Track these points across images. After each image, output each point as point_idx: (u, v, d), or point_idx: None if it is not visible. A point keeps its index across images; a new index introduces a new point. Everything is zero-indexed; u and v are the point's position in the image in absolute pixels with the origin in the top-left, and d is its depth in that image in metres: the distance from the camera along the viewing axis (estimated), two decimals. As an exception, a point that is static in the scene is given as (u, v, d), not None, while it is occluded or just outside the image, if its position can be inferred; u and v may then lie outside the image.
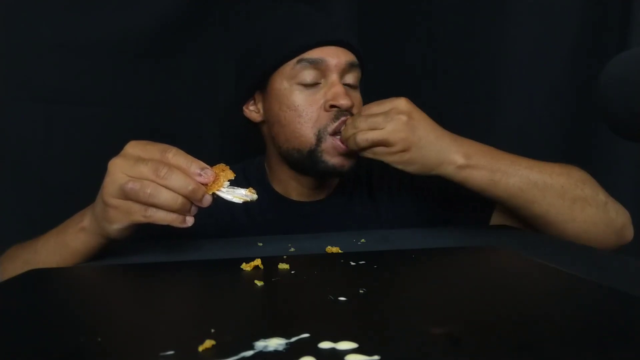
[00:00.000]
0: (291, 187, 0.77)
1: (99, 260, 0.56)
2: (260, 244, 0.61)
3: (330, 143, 0.68)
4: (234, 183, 0.51)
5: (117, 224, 0.51)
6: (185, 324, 0.31)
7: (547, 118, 1.05)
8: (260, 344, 0.26)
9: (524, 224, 0.69)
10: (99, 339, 0.28)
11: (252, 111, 0.77)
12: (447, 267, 0.47)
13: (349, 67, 0.70)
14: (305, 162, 0.70)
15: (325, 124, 0.68)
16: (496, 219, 0.73)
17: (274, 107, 0.71)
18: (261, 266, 0.44)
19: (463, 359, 0.24)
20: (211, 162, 0.52)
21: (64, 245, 0.56)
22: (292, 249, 0.56)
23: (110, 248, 0.57)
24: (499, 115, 1.07)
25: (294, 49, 0.68)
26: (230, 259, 0.48)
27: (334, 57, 0.69)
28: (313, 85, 0.69)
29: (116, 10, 0.92)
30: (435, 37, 1.09)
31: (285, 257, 0.48)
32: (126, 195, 0.48)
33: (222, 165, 0.52)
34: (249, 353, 0.25)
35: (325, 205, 0.78)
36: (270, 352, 0.25)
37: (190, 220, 0.50)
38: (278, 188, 0.78)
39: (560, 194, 0.62)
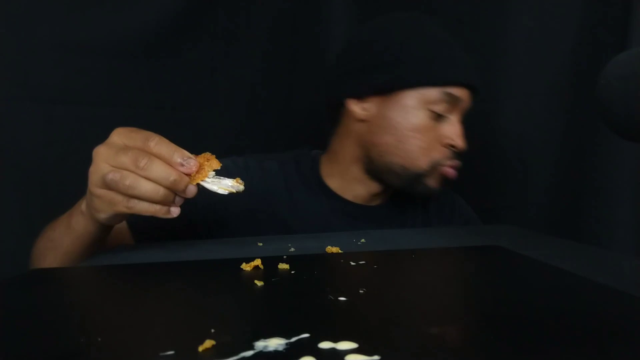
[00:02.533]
0: (351, 187, 0.78)
1: (98, 260, 0.56)
2: (261, 244, 0.61)
3: (439, 173, 0.73)
4: (220, 173, 0.50)
5: (102, 214, 0.51)
6: (185, 324, 0.31)
7: (547, 118, 1.05)
8: (260, 344, 0.26)
9: None
10: (99, 339, 0.28)
11: (359, 108, 0.75)
12: (447, 267, 0.47)
13: (466, 112, 0.75)
14: (404, 180, 0.73)
15: (440, 159, 0.72)
16: None
17: (394, 117, 0.72)
18: (261, 266, 0.44)
19: (463, 359, 0.24)
20: None
21: (70, 227, 0.57)
22: (292, 249, 0.56)
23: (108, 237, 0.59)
24: (499, 115, 1.07)
25: (441, 79, 0.70)
26: (230, 259, 0.48)
27: (467, 99, 0.73)
28: (439, 117, 0.71)
29: (116, 10, 0.92)
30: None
31: (285, 257, 0.48)
32: (108, 186, 0.48)
33: (207, 155, 0.50)
34: (249, 353, 0.25)
35: (377, 211, 0.79)
36: (270, 352, 0.25)
37: (175, 211, 0.49)
38: (332, 184, 0.79)
39: None
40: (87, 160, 0.98)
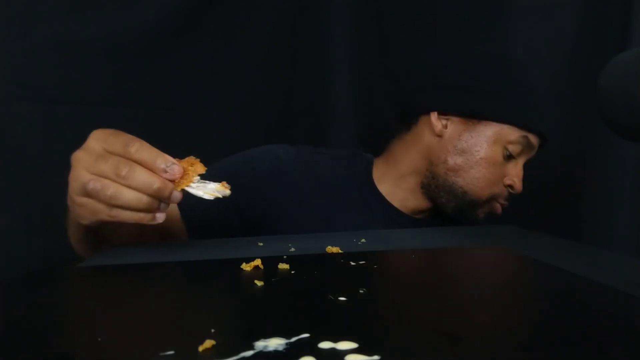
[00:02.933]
0: (402, 196, 0.79)
1: (98, 260, 0.56)
2: (261, 244, 0.61)
3: (491, 206, 0.76)
4: (204, 177, 0.48)
5: (85, 220, 0.49)
6: (185, 324, 0.31)
7: (547, 117, 1.05)
8: (260, 344, 0.26)
9: None
10: (99, 339, 0.28)
11: (439, 122, 0.76)
12: (447, 267, 0.47)
13: None
14: (459, 203, 0.75)
15: (498, 194, 0.75)
16: None
17: (472, 143, 0.74)
18: (261, 266, 0.44)
19: (463, 359, 0.24)
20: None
21: (72, 219, 0.58)
22: (292, 249, 0.56)
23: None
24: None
25: (524, 123, 0.73)
26: (230, 259, 0.48)
27: (534, 149, 0.76)
28: (511, 156, 0.74)
29: (116, 10, 0.92)
30: (436, 37, 1.09)
31: (285, 257, 0.48)
32: (89, 195, 0.46)
33: (191, 159, 0.48)
34: (249, 353, 0.25)
35: (421, 225, 0.80)
36: (270, 352, 0.25)
37: (160, 217, 0.47)
38: (383, 189, 0.79)
39: None
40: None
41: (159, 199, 0.46)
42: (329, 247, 0.54)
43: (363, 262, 0.45)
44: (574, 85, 1.03)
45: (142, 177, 0.44)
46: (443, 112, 0.76)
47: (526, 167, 1.06)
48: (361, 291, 0.36)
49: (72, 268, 0.54)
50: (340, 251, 0.53)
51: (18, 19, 0.87)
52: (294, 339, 0.26)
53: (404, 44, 1.09)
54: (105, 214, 0.46)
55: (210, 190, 0.47)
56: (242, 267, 0.44)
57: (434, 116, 0.76)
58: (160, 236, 0.67)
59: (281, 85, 1.10)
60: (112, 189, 0.44)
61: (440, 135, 0.75)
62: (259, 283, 0.39)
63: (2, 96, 0.87)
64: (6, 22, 0.87)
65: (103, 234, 0.59)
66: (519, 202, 1.07)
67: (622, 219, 0.98)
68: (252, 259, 0.45)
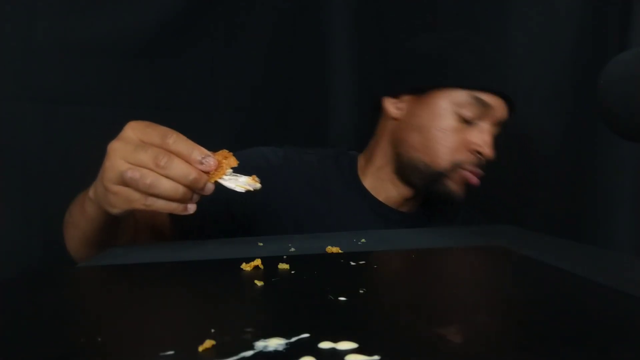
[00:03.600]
0: (384, 188, 0.79)
1: (98, 260, 0.56)
2: (261, 244, 0.61)
3: (460, 175, 0.74)
4: (238, 169, 0.50)
5: (117, 209, 0.50)
6: (185, 324, 0.31)
7: (547, 118, 1.05)
8: (260, 344, 0.26)
9: None
10: (99, 339, 0.28)
11: (394, 107, 0.78)
12: (447, 267, 0.47)
13: (500, 123, 0.75)
14: (424, 177, 0.74)
15: (462, 161, 0.73)
16: None
17: (424, 116, 0.74)
18: (261, 266, 0.44)
19: (463, 359, 0.24)
20: None
21: (83, 210, 0.57)
22: (292, 249, 0.56)
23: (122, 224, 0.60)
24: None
25: (470, 83, 0.72)
26: (230, 259, 0.48)
27: (500, 109, 0.73)
28: (469, 121, 0.72)
29: (116, 10, 0.92)
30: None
31: (285, 257, 0.48)
32: (126, 183, 0.47)
33: (224, 152, 0.50)
34: (249, 353, 0.25)
35: (407, 217, 0.81)
36: (270, 352, 0.25)
37: (192, 208, 0.49)
38: (367, 184, 0.80)
39: None
40: (88, 161, 0.97)
41: (193, 190, 0.48)
42: (329, 247, 0.54)
43: (363, 262, 0.45)
44: (574, 85, 1.03)
45: (179, 167, 0.46)
46: (395, 96, 0.78)
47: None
48: (361, 291, 0.36)
49: (72, 268, 0.54)
50: (340, 251, 0.53)
51: (18, 19, 0.87)
52: (294, 339, 0.26)
53: (404, 44, 1.09)
54: (141, 202, 0.48)
55: (241, 183, 0.49)
56: (242, 267, 0.44)
57: (387, 101, 0.78)
58: (151, 234, 0.67)
59: (281, 85, 1.10)
60: (150, 178, 0.46)
61: (397, 118, 0.77)
62: (259, 283, 0.39)
63: (2, 96, 0.87)
64: (6, 22, 0.87)
65: (115, 230, 0.59)
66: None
67: (622, 219, 0.98)
68: (252, 259, 0.45)
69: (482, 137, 0.73)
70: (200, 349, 0.26)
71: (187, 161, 0.47)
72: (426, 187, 0.76)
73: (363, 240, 0.61)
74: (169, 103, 0.99)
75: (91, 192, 0.54)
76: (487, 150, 0.72)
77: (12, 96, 0.87)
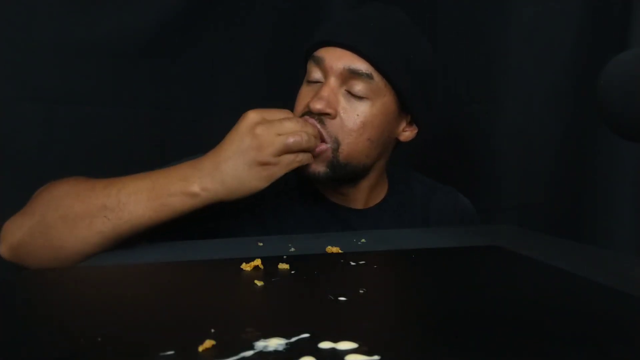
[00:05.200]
0: (331, 188, 0.74)
1: (99, 260, 0.56)
2: (261, 244, 0.61)
3: None
4: None
5: (274, 178, 0.59)
6: (185, 324, 0.31)
7: (547, 118, 1.05)
8: (260, 344, 0.26)
9: None
10: (99, 339, 0.28)
11: None
12: (447, 267, 0.47)
13: (351, 73, 0.65)
14: None
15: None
16: None
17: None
18: (261, 266, 0.44)
19: (463, 359, 0.24)
20: None
21: (164, 204, 0.57)
22: (292, 249, 0.56)
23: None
24: (499, 115, 1.07)
25: (310, 45, 0.70)
26: (230, 259, 0.48)
27: (335, 59, 0.66)
28: (316, 82, 0.68)
29: (116, 10, 0.92)
30: (435, 37, 1.09)
31: (285, 257, 0.48)
32: (286, 150, 0.58)
33: None
34: (249, 353, 0.25)
35: (371, 214, 0.76)
36: (270, 352, 0.25)
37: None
38: (321, 189, 0.76)
39: None
40: (88, 161, 0.97)
41: (313, 146, 0.61)
42: (329, 247, 0.54)
43: (363, 262, 0.45)
44: (574, 86, 1.03)
45: (311, 127, 0.61)
46: None
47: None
48: (361, 291, 0.36)
49: (72, 268, 0.54)
50: (340, 251, 0.53)
51: (18, 19, 0.87)
52: (294, 339, 0.26)
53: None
54: (296, 161, 0.60)
55: None
56: (242, 267, 0.44)
57: None
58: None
59: (281, 85, 1.10)
60: (305, 136, 0.59)
61: None
62: (259, 283, 0.39)
63: (2, 96, 0.87)
64: (6, 22, 0.87)
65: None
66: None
67: (622, 219, 0.98)
68: (252, 259, 0.45)
69: (316, 93, 0.66)
70: (200, 349, 0.26)
71: None
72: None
73: (363, 240, 0.61)
74: (169, 103, 0.99)
75: (198, 188, 0.58)
76: (312, 103, 0.65)
77: (12, 96, 0.87)
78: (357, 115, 0.66)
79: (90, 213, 0.56)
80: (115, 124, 0.94)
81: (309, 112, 0.67)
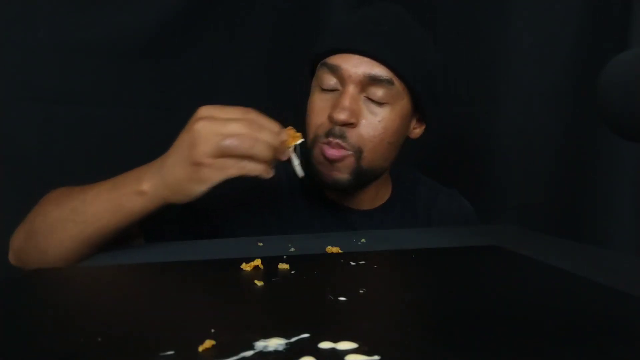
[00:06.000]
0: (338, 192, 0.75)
1: (98, 260, 0.56)
2: (261, 244, 0.61)
3: (316, 150, 0.67)
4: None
5: (209, 183, 0.53)
6: (185, 324, 0.31)
7: (547, 118, 1.05)
8: (260, 344, 0.26)
9: None
10: (99, 339, 0.28)
11: None
12: (447, 267, 0.47)
13: (371, 80, 0.65)
14: (306, 162, 0.69)
15: (323, 133, 0.67)
16: None
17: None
18: (261, 266, 0.44)
19: (463, 359, 0.24)
20: None
21: (117, 205, 0.56)
22: (292, 249, 0.56)
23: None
24: (499, 115, 1.07)
25: (319, 52, 0.69)
26: (230, 259, 0.48)
27: (352, 67, 0.65)
28: (332, 91, 0.67)
29: (116, 10, 0.92)
30: (435, 37, 1.09)
31: (285, 257, 0.48)
32: (223, 152, 0.51)
33: (291, 128, 0.56)
34: (249, 353, 0.25)
35: (373, 215, 0.76)
36: (270, 352, 0.25)
37: (272, 172, 0.54)
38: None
39: None
40: (87, 161, 0.97)
41: (277, 154, 0.54)
42: (329, 247, 0.54)
43: (363, 262, 0.45)
44: (574, 85, 1.03)
45: (268, 132, 0.52)
46: None
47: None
48: (361, 291, 0.36)
49: (72, 268, 0.54)
50: (340, 251, 0.53)
51: (18, 19, 0.87)
52: (294, 339, 0.26)
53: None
54: (236, 167, 0.52)
55: (296, 164, 0.57)
56: (242, 267, 0.44)
57: None
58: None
59: (281, 85, 1.10)
60: (248, 142, 0.51)
61: None
62: (259, 283, 0.39)
63: (2, 96, 0.87)
64: (6, 22, 0.87)
65: (126, 231, 0.59)
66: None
67: (622, 219, 0.98)
68: (252, 259, 0.45)
69: (337, 102, 0.66)
70: (200, 349, 0.26)
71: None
72: (312, 174, 0.69)
73: (363, 240, 0.61)
74: (169, 103, 0.99)
75: (146, 187, 0.54)
76: (336, 115, 0.64)
77: (12, 96, 0.87)
78: (379, 121, 0.66)
79: (64, 217, 0.57)
80: (115, 124, 0.94)
81: (328, 128, 0.66)
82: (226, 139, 0.51)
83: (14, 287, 0.42)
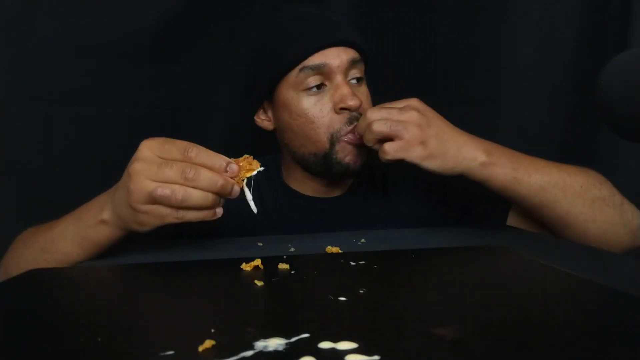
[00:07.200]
0: (306, 185, 0.78)
1: (99, 260, 0.56)
2: (260, 244, 0.61)
3: (344, 143, 0.69)
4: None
5: (148, 227, 0.51)
6: (185, 324, 0.31)
7: (547, 118, 1.05)
8: (260, 344, 0.26)
9: (541, 226, 0.68)
10: (99, 339, 0.28)
11: (264, 120, 0.77)
12: (447, 267, 0.47)
13: (352, 64, 0.69)
14: (321, 165, 0.71)
15: (338, 128, 0.68)
16: (512, 221, 0.73)
17: (284, 116, 0.71)
18: (261, 266, 0.44)
19: (463, 359, 0.24)
20: None
21: (84, 237, 0.56)
22: (292, 249, 0.56)
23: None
24: (499, 115, 1.07)
25: (295, 58, 0.68)
26: (230, 259, 0.48)
27: (336, 58, 0.68)
28: (319, 89, 0.69)
29: (116, 11, 0.92)
30: (435, 37, 1.09)
31: (285, 257, 0.48)
32: (156, 201, 0.48)
33: (247, 157, 0.52)
34: (249, 353, 0.25)
35: (340, 203, 0.79)
36: (270, 352, 0.25)
37: (220, 212, 0.50)
38: (294, 185, 0.79)
39: (580, 194, 0.62)
40: (87, 160, 0.97)
41: (222, 196, 0.50)
42: (329, 247, 0.54)
43: (363, 262, 0.45)
44: (574, 86, 1.02)
45: (207, 177, 0.48)
46: (257, 111, 0.77)
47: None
48: (361, 291, 0.36)
49: (72, 268, 0.54)
50: (340, 251, 0.53)
51: (18, 19, 0.87)
52: (294, 339, 0.26)
53: (404, 44, 1.09)
54: (172, 216, 0.49)
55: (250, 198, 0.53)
56: (242, 267, 0.44)
57: (257, 118, 0.78)
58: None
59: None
60: (181, 192, 0.47)
61: (273, 128, 0.76)
62: (259, 283, 0.39)
63: (2, 96, 0.87)
64: (6, 22, 0.87)
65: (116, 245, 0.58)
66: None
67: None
68: (252, 259, 0.45)
69: (339, 93, 0.68)
70: (200, 349, 0.26)
71: (212, 170, 0.48)
72: (326, 172, 0.72)
73: (363, 240, 0.61)
74: (169, 103, 0.99)
75: (107, 216, 0.54)
76: (351, 102, 0.67)
77: (12, 96, 0.87)
78: (366, 96, 0.73)
79: (34, 257, 0.58)
80: (115, 124, 0.94)
81: (343, 120, 0.68)
82: (157, 189, 0.47)
83: (14, 287, 0.43)
